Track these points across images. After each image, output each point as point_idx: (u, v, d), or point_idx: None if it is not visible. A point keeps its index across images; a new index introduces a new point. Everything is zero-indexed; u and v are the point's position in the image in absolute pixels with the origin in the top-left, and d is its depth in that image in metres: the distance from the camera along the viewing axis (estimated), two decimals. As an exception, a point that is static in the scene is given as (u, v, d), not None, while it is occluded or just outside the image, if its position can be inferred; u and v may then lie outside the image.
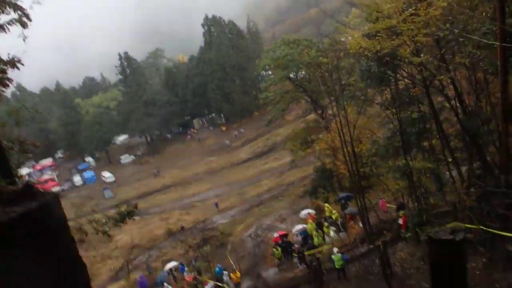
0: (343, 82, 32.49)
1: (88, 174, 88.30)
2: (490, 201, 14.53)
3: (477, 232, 14.42)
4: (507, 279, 11.39)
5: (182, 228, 51.73)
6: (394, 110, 22.78)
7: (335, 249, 20.86)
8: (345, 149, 27.47)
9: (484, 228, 13.70)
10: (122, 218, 28.30)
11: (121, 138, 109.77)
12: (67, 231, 2.80)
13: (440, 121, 19.03)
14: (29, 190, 2.62)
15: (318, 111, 45.80)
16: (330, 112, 37.70)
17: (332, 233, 28.93)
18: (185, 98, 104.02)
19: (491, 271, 12.47)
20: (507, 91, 13.93)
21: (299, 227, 34.11)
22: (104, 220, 23.40)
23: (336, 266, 19.81)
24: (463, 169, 18.81)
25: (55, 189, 78.01)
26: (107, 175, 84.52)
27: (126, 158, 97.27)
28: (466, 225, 14.14)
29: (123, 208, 30.97)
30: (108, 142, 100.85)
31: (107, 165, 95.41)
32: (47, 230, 2.47)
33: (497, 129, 15.38)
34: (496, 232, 12.95)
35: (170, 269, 36.37)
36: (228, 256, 39.90)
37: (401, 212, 22.67)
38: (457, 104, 17.15)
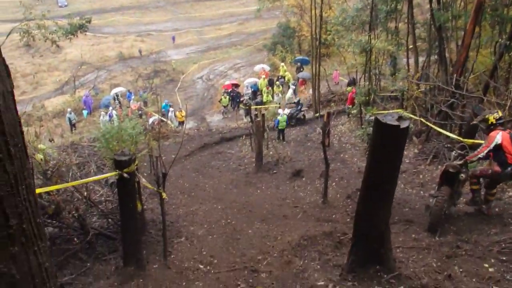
0: None
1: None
2: (436, 97, 14.98)
3: (415, 123, 15.11)
4: (431, 172, 12.27)
5: (140, 52, 50.80)
6: (370, -19, 21.92)
7: (281, 111, 21.36)
8: (313, 11, 26.70)
9: (423, 120, 14.31)
10: (74, 29, 27.06)
11: None
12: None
13: (413, 5, 18.61)
14: None
15: (295, -37, 43.42)
16: (306, -34, 35.78)
17: (290, 92, 28.98)
18: None
19: (419, 162, 13.30)
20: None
21: (251, 80, 34.20)
22: (54, 29, 22.26)
23: (279, 127, 20.53)
24: (420, 59, 19.00)
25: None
26: (62, -20, 76.79)
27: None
28: (409, 114, 14.75)
29: (76, 20, 29.38)
30: None
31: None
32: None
33: (463, 28, 15.30)
34: (432, 127, 13.56)
35: (117, 94, 36.17)
36: (177, 94, 40.20)
37: (349, 88, 23.09)
38: (434, -9, 16.60)
